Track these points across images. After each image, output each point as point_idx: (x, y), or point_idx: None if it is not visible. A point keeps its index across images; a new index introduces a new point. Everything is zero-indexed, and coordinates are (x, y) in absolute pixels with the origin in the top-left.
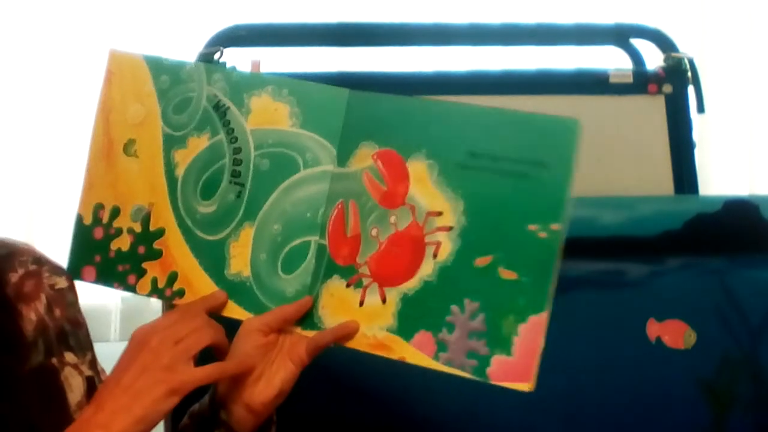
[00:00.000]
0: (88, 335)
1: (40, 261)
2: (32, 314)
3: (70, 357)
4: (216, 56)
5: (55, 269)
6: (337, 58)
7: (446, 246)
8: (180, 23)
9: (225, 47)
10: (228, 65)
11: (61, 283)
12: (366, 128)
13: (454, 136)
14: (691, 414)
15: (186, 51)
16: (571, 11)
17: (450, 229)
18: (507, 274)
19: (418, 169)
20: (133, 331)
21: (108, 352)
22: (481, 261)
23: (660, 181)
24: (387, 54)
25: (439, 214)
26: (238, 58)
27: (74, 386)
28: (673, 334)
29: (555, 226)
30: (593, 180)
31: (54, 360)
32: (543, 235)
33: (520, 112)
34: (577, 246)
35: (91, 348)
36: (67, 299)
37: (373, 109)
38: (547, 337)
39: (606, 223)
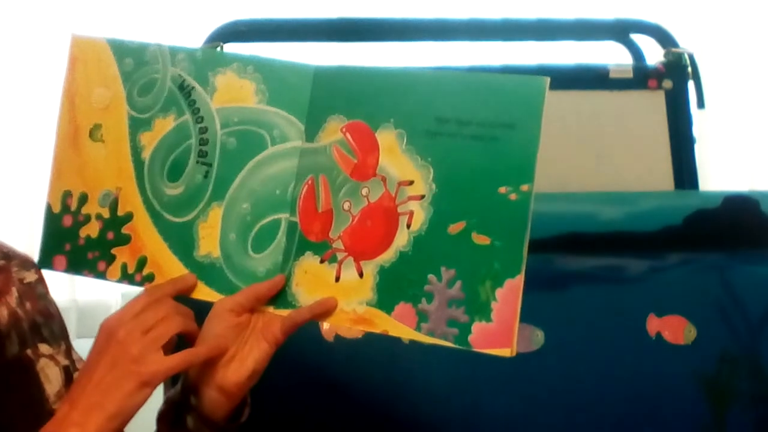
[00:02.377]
0: (62, 326)
1: (9, 256)
2: (3, 308)
3: (44, 348)
4: None
5: (24, 263)
6: (337, 53)
7: (419, 215)
8: (180, 19)
9: (225, 43)
10: None
11: (30, 276)
12: (333, 102)
13: (421, 104)
14: (691, 409)
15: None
16: (571, 6)
17: (422, 197)
18: (480, 239)
19: (388, 138)
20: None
21: None
22: (454, 228)
23: (660, 176)
24: (387, 49)
25: (411, 183)
26: None
27: (51, 377)
28: (673, 329)
29: (525, 187)
30: (593, 175)
31: (29, 351)
32: (514, 197)
33: (487, 75)
34: (578, 241)
35: (65, 338)
36: (37, 292)
37: (339, 83)
38: (547, 332)
39: (606, 219)
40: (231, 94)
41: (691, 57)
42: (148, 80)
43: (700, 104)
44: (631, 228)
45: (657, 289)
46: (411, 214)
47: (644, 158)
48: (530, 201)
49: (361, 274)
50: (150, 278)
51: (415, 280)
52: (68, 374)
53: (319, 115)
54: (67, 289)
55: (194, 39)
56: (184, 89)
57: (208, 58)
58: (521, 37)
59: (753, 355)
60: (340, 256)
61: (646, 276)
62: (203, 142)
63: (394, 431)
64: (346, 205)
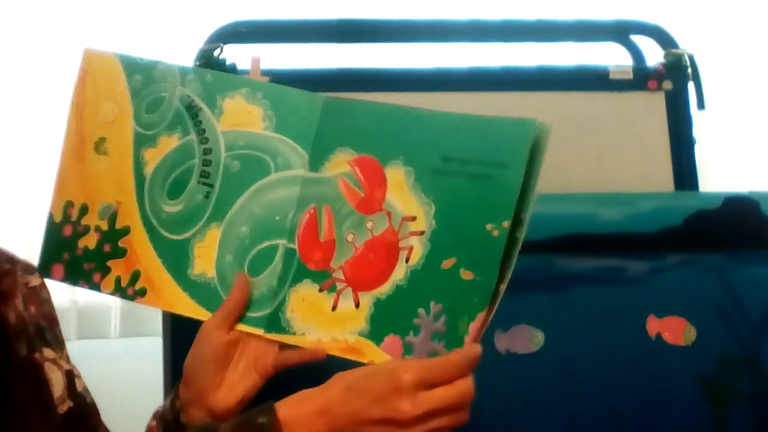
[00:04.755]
0: (61, 331)
1: (13, 260)
2: (11, 311)
3: (48, 352)
4: (216, 53)
5: (27, 268)
6: (337, 54)
7: (417, 250)
8: (180, 20)
9: (225, 44)
10: (228, 62)
11: (34, 281)
12: (342, 134)
13: (429, 142)
14: (691, 410)
15: (186, 48)
16: (571, 8)
17: (422, 233)
18: (466, 275)
19: (396, 175)
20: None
21: (108, 349)
22: (447, 263)
23: (660, 177)
24: (387, 51)
25: (413, 218)
26: (238, 55)
27: (54, 381)
28: (673, 330)
29: (506, 224)
30: (593, 176)
31: (36, 355)
32: (496, 233)
33: (486, 117)
34: (578, 242)
35: (65, 344)
36: (41, 296)
37: (349, 116)
38: (547, 332)
39: (606, 220)
40: (238, 118)
41: (691, 58)
42: (155, 98)
43: (700, 105)
44: (632, 229)
45: (657, 290)
46: (411, 249)
47: (644, 159)
48: (507, 237)
49: (357, 305)
50: (142, 292)
51: (407, 313)
52: (70, 379)
53: (325, 146)
54: (67, 290)
55: (194, 39)
56: (192, 110)
57: (218, 81)
58: (521, 38)
59: (753, 355)
60: (339, 286)
61: (646, 277)
62: (206, 162)
63: None
64: (350, 237)
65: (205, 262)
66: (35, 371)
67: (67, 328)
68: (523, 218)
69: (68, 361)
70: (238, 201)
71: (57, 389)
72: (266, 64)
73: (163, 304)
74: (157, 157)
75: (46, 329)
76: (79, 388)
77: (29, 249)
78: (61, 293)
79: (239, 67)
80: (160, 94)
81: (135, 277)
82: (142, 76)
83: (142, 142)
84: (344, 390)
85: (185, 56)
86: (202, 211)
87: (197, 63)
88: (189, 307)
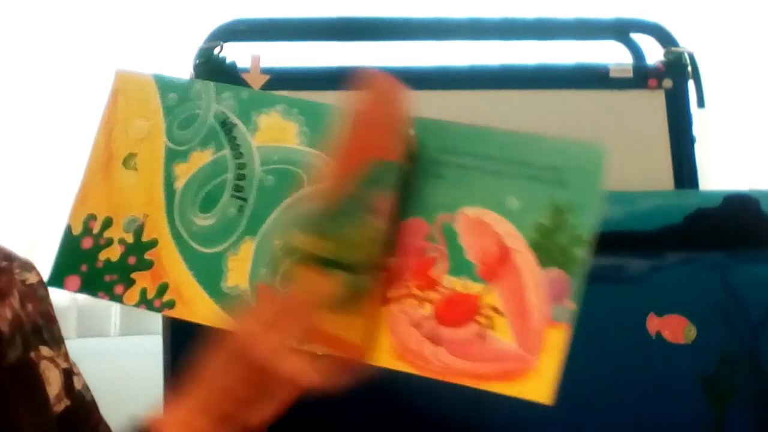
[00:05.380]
0: (59, 329)
1: (10, 257)
2: (7, 310)
3: (45, 351)
4: (216, 51)
5: (25, 265)
6: (337, 52)
7: None
8: (180, 18)
9: (225, 42)
10: (227, 60)
11: (32, 278)
12: None
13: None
14: (691, 409)
15: (186, 46)
16: (571, 6)
17: None
18: None
19: None
20: None
21: (108, 348)
22: None
23: (660, 176)
24: (387, 48)
25: None
26: (238, 53)
27: (51, 379)
28: (673, 328)
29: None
30: None
31: (32, 354)
32: None
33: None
34: None
35: (63, 341)
36: (39, 294)
37: None
38: None
39: (606, 218)
40: (274, 134)
41: (691, 56)
42: (189, 115)
43: (700, 103)
44: (631, 227)
45: (657, 289)
46: None
47: (644, 158)
48: None
49: None
50: (170, 305)
51: None
52: (68, 377)
53: None
54: None
55: (194, 38)
56: (226, 125)
57: (254, 99)
58: (521, 37)
59: (753, 354)
60: None
61: (646, 275)
62: (240, 177)
63: (394, 428)
64: None
65: (238, 274)
66: (30, 370)
67: (67, 326)
68: (585, 237)
69: (66, 359)
70: (272, 215)
71: (54, 388)
72: (266, 63)
73: (194, 316)
74: (188, 172)
75: (44, 327)
76: (78, 386)
77: (29, 249)
78: (61, 292)
79: (239, 65)
80: (194, 111)
81: (162, 289)
82: (177, 95)
83: (173, 157)
84: None
85: (185, 55)
86: (236, 225)
87: (197, 61)
88: (221, 320)
